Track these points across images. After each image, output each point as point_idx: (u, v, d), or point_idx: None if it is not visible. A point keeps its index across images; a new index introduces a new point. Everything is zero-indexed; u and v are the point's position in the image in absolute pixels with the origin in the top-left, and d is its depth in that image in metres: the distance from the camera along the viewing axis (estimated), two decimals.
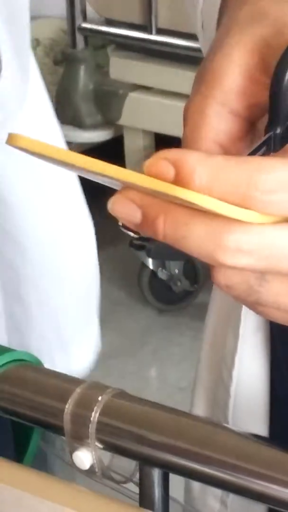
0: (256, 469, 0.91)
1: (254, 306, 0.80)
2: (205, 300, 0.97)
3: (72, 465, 0.97)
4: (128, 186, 0.76)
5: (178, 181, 0.72)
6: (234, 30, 0.90)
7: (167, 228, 0.75)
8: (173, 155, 0.73)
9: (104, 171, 0.75)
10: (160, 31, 3.51)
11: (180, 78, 3.36)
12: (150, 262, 3.63)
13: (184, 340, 3.49)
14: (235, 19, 0.91)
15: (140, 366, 3.29)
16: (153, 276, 3.69)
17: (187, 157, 0.73)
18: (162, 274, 3.66)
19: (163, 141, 3.38)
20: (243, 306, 1.08)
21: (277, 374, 1.14)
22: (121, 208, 0.76)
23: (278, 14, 0.88)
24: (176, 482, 1.05)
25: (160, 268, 3.68)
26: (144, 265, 3.64)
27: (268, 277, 0.77)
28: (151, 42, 3.53)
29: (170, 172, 0.71)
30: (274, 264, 0.75)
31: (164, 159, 0.72)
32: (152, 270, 3.66)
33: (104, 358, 2.65)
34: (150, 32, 3.54)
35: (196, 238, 0.74)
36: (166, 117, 3.47)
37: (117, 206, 0.76)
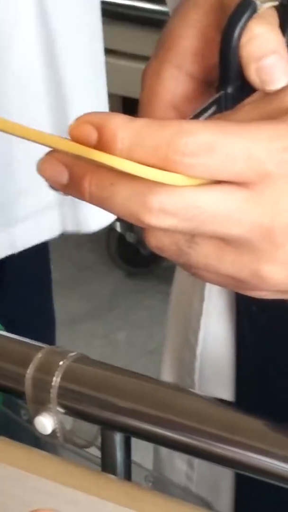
0: (218, 432, 0.91)
1: (186, 267, 0.81)
2: (174, 263, 0.97)
3: (35, 430, 0.98)
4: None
5: (100, 145, 0.72)
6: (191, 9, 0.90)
7: (93, 188, 0.75)
8: (96, 118, 0.73)
9: (31, 136, 0.76)
10: None
11: (148, 41, 3.36)
12: (118, 226, 3.64)
13: (153, 303, 3.52)
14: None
15: (109, 329, 3.32)
16: (121, 239, 3.71)
17: (109, 121, 0.73)
18: (130, 237, 3.68)
19: (131, 105, 3.39)
20: None
21: (241, 336, 1.15)
22: (49, 168, 0.77)
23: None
24: (148, 446, 1.07)
25: (128, 232, 3.70)
26: (112, 229, 3.65)
27: (197, 239, 0.77)
28: (118, 6, 3.54)
29: (93, 136, 0.72)
30: (199, 226, 0.75)
31: (87, 123, 0.73)
32: (120, 233, 3.67)
33: (72, 322, 2.66)
34: None
35: (121, 199, 0.75)
36: (133, 80, 3.46)
37: (44, 166, 0.77)
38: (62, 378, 0.96)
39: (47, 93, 2.40)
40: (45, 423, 0.97)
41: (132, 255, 3.57)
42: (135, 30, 3.48)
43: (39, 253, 2.52)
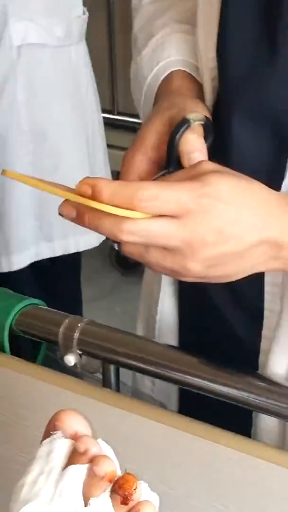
0: (168, 364, 1.03)
1: (146, 264, 0.88)
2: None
3: (64, 363, 1.07)
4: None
5: (93, 196, 0.80)
6: (156, 113, 0.98)
7: (90, 221, 0.83)
8: (91, 181, 0.81)
9: (50, 191, 0.84)
10: (119, 113, 3.74)
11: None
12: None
13: (139, 289, 3.35)
14: (159, 107, 1.00)
15: (109, 306, 3.29)
16: (117, 250, 3.53)
17: (98, 182, 0.80)
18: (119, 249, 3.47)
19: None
20: None
21: (181, 306, 1.19)
22: (65, 209, 0.84)
23: (181, 105, 0.97)
24: (129, 373, 1.17)
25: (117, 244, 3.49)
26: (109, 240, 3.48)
27: (150, 248, 0.85)
28: (115, 120, 3.71)
29: (88, 191, 0.80)
30: (150, 240, 0.83)
31: (85, 183, 0.81)
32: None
33: (86, 301, 2.66)
34: (114, 114, 3.74)
35: (106, 226, 0.82)
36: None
37: (62, 208, 0.84)
38: (80, 334, 1.07)
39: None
40: (70, 359, 1.07)
41: (125, 261, 3.47)
42: (125, 133, 3.50)
43: (75, 258, 2.52)
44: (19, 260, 2.36)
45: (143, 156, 0.95)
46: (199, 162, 0.88)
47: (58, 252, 2.41)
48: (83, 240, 2.38)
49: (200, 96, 1.04)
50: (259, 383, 0.99)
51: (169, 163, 0.93)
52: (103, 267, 3.73)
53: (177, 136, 0.92)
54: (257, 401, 0.97)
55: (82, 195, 0.82)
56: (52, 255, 2.40)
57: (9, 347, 1.11)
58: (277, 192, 0.89)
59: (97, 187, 0.81)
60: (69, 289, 2.68)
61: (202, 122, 0.94)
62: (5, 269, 2.32)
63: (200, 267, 0.85)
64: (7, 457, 0.97)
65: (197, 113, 0.95)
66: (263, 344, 1.07)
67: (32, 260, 2.38)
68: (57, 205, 0.85)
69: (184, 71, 1.07)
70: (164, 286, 1.18)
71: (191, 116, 0.94)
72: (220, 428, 0.96)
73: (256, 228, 0.85)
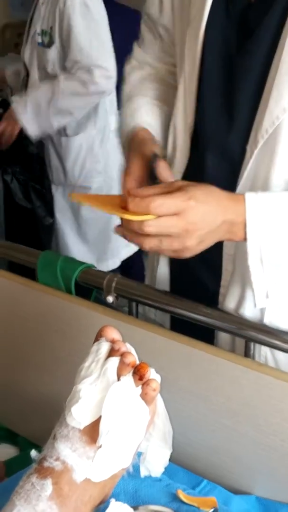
0: (167, 301, 0.99)
1: (161, 252, 0.84)
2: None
3: (105, 300, 1.03)
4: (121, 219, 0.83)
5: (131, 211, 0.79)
6: (134, 152, 0.95)
7: (128, 238, 0.83)
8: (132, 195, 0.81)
9: (100, 208, 0.81)
10: None
11: None
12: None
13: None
14: (135, 149, 0.95)
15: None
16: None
17: (127, 199, 0.80)
18: None
19: None
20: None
21: (172, 272, 1.12)
22: (118, 230, 0.84)
23: (148, 147, 0.94)
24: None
25: None
26: None
27: (162, 239, 0.81)
28: None
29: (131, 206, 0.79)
30: (161, 230, 0.80)
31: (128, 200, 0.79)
32: None
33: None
34: None
35: (134, 228, 0.80)
36: None
37: (116, 230, 0.84)
38: (116, 284, 1.03)
39: None
40: (110, 299, 1.03)
41: None
42: None
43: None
44: (115, 262, 2.33)
45: (130, 177, 0.92)
46: (175, 181, 0.87)
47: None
48: None
49: (154, 142, 0.99)
50: (219, 312, 0.96)
51: (151, 178, 0.91)
52: None
53: (154, 164, 0.90)
54: (217, 323, 0.95)
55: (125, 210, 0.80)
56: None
57: (74, 292, 1.07)
58: (227, 191, 0.86)
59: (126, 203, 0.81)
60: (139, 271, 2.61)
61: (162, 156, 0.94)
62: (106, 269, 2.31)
63: (195, 244, 0.82)
64: (75, 357, 0.94)
65: (158, 150, 0.94)
66: (221, 291, 1.03)
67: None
68: None
69: (146, 129, 1.02)
70: (161, 260, 1.13)
71: (156, 151, 0.93)
72: (195, 339, 0.93)
73: (221, 214, 0.83)
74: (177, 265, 1.11)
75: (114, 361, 0.69)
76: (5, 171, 2.12)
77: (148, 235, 0.81)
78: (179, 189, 0.82)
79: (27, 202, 2.15)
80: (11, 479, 0.82)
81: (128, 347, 0.72)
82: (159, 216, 0.80)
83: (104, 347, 0.71)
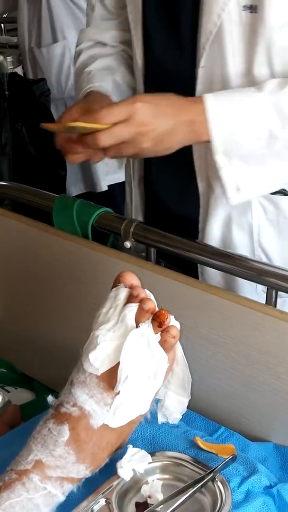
0: (180, 244, 0.98)
1: (124, 156, 0.88)
2: None
3: (123, 245, 1.03)
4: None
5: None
6: (83, 100, 0.99)
7: (90, 157, 0.87)
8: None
9: (58, 128, 0.86)
10: None
11: None
12: None
13: None
14: (85, 99, 1.01)
15: None
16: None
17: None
18: None
19: None
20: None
21: (148, 205, 1.16)
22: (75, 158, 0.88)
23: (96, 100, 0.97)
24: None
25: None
26: None
27: (120, 146, 0.85)
28: None
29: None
30: (117, 137, 0.84)
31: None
32: None
33: None
34: None
35: (89, 142, 0.84)
36: None
37: (71, 159, 0.89)
38: (134, 229, 1.02)
39: None
40: (127, 244, 1.02)
41: None
42: None
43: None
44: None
45: (78, 107, 0.93)
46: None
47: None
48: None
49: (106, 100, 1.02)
50: (239, 259, 0.95)
51: None
52: None
53: None
54: (239, 270, 0.94)
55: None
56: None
57: (91, 237, 1.07)
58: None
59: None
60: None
61: None
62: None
63: (150, 144, 0.85)
64: (91, 303, 0.95)
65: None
66: (201, 218, 1.05)
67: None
68: None
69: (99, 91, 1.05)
70: (134, 186, 1.16)
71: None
72: (211, 285, 0.93)
73: (174, 114, 0.86)
74: (148, 195, 1.15)
75: (133, 307, 0.68)
76: (15, 120, 2.11)
77: (104, 148, 0.85)
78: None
79: (36, 151, 2.13)
80: (26, 424, 0.83)
81: (147, 293, 0.70)
82: (110, 126, 0.83)
83: (122, 293, 0.69)
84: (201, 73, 0.95)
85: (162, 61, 1.02)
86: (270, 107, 0.87)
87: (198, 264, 1.06)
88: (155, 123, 0.84)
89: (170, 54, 0.99)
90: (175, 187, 1.10)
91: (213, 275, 1.06)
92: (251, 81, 0.93)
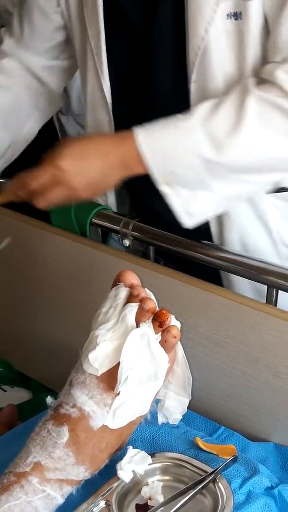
0: (179, 242, 0.95)
1: (57, 202, 0.88)
2: None
3: (123, 243, 1.01)
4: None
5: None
6: None
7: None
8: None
9: None
10: None
11: None
12: None
13: None
14: None
15: None
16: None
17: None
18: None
19: None
20: None
21: (132, 200, 1.14)
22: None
23: None
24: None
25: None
26: None
27: (47, 192, 0.86)
28: None
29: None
30: (40, 183, 0.85)
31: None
32: None
33: None
34: None
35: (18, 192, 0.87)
36: None
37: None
38: (132, 227, 1.00)
39: None
40: (126, 242, 1.01)
41: None
42: None
43: None
44: None
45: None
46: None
47: None
48: None
49: None
50: (240, 257, 0.91)
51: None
52: None
53: None
54: (239, 269, 0.91)
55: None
56: None
57: (89, 234, 1.05)
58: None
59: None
60: None
61: None
62: None
63: (84, 192, 0.84)
64: (89, 302, 0.97)
65: None
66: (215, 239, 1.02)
67: None
68: None
69: None
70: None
71: None
72: (211, 284, 0.90)
73: (98, 161, 0.84)
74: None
75: (133, 307, 0.67)
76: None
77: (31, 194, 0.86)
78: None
79: (33, 148, 2.05)
80: (25, 424, 0.82)
81: (147, 292, 0.69)
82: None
83: (122, 292, 0.68)
84: (193, 87, 0.91)
85: (133, 84, 0.98)
86: (200, 134, 0.83)
87: (221, 271, 1.02)
88: (82, 175, 0.83)
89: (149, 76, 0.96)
90: None
91: (239, 284, 1.02)
92: None
